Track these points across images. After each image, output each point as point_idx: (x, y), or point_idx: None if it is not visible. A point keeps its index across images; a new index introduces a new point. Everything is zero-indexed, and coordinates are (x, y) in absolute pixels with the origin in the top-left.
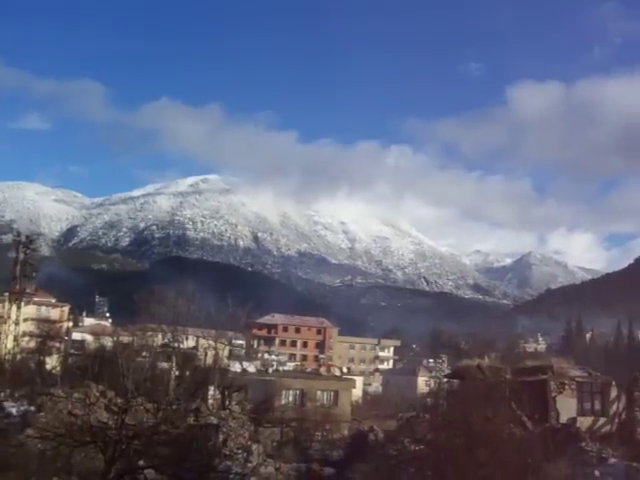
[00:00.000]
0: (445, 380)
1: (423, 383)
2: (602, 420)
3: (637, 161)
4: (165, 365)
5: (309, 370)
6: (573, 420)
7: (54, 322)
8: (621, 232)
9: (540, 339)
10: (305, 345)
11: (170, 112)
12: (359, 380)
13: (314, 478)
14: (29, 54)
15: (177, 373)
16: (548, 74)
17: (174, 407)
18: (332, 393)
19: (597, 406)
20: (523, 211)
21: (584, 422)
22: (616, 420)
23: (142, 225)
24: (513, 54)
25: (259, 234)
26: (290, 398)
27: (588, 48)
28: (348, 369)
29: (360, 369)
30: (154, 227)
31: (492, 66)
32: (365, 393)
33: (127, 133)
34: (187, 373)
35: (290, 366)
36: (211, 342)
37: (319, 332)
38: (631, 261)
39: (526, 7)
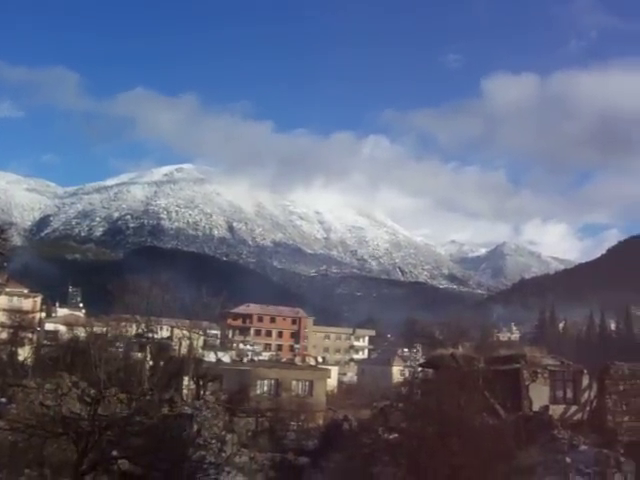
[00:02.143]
0: (419, 369)
1: (398, 372)
2: (574, 408)
3: (611, 153)
4: (139, 355)
5: (284, 360)
6: (545, 408)
7: (26, 313)
8: (594, 223)
9: (514, 328)
10: (280, 335)
11: (145, 101)
12: (334, 370)
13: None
14: (1, 41)
15: (151, 363)
16: (524, 66)
17: (148, 397)
18: (307, 383)
19: (569, 394)
20: (498, 202)
21: (556, 410)
22: (587, 408)
23: (116, 215)
24: (490, 46)
25: (234, 224)
26: (265, 388)
27: (564, 41)
28: (323, 359)
29: (335, 359)
30: (128, 217)
31: (470, 58)
32: (340, 383)
33: (101, 122)
34: (161, 363)
35: (265, 356)
36: (185, 332)
37: (294, 322)
38: (604, 252)
39: (504, 0)
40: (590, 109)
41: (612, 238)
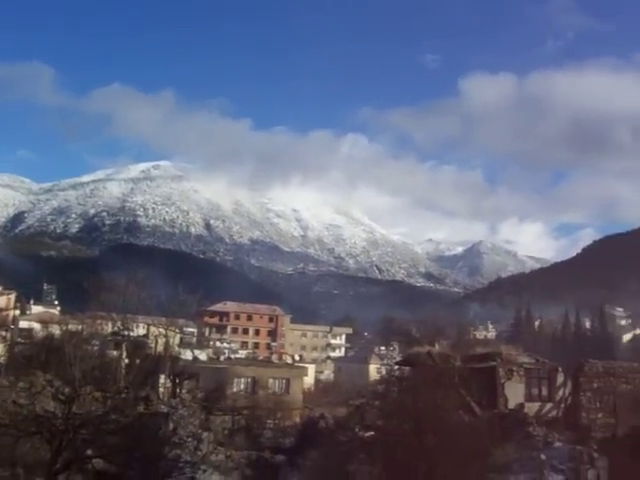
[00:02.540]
0: (396, 367)
1: (374, 370)
2: (549, 405)
3: (586, 153)
4: (115, 353)
5: (261, 358)
6: (521, 405)
7: (0, 310)
8: (570, 222)
9: (490, 327)
10: (257, 333)
11: (122, 98)
12: (311, 368)
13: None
14: None
15: (127, 361)
16: (501, 66)
17: (123, 395)
18: (284, 381)
19: (544, 392)
20: (475, 201)
21: (531, 407)
22: (562, 405)
23: (92, 211)
24: (468, 46)
25: (211, 221)
26: (242, 386)
27: (541, 41)
28: (300, 357)
29: (312, 357)
30: (104, 213)
31: (448, 58)
32: (317, 381)
33: (78, 118)
34: (137, 361)
35: (242, 354)
36: (162, 330)
37: (271, 320)
38: (579, 251)
39: (482, 0)
40: (566, 109)
41: (587, 237)
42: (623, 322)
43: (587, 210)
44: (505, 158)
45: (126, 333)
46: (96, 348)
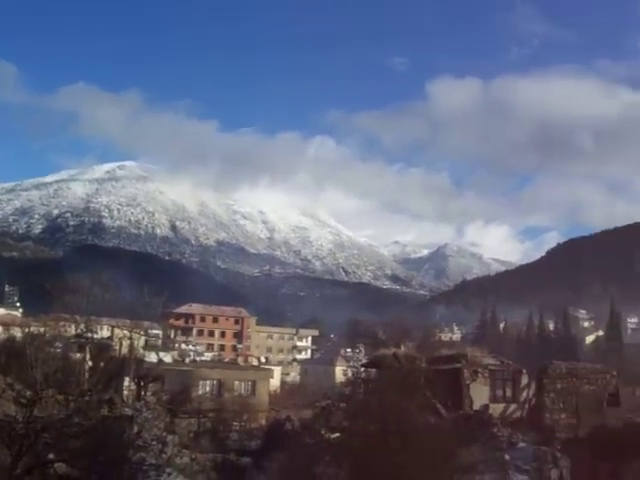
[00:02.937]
0: (362, 369)
1: (340, 372)
2: (513, 406)
3: (551, 158)
4: (78, 356)
5: (227, 360)
6: (485, 407)
7: None
8: (535, 225)
9: (455, 329)
10: (223, 335)
11: (87, 97)
12: (277, 370)
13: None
14: None
15: (90, 364)
16: (468, 71)
17: (86, 398)
18: (250, 383)
19: (508, 393)
20: (442, 203)
21: (496, 409)
22: (526, 406)
23: (56, 212)
24: (435, 50)
25: (177, 223)
26: (207, 388)
27: (506, 48)
28: (266, 359)
29: (278, 359)
30: (68, 214)
31: (415, 61)
32: (283, 383)
33: (41, 117)
34: (101, 364)
35: (207, 356)
36: (126, 332)
37: (237, 322)
38: (543, 254)
39: (450, 5)
40: (531, 114)
41: (552, 240)
42: (586, 324)
43: (552, 213)
44: (472, 161)
45: (90, 335)
46: (59, 350)
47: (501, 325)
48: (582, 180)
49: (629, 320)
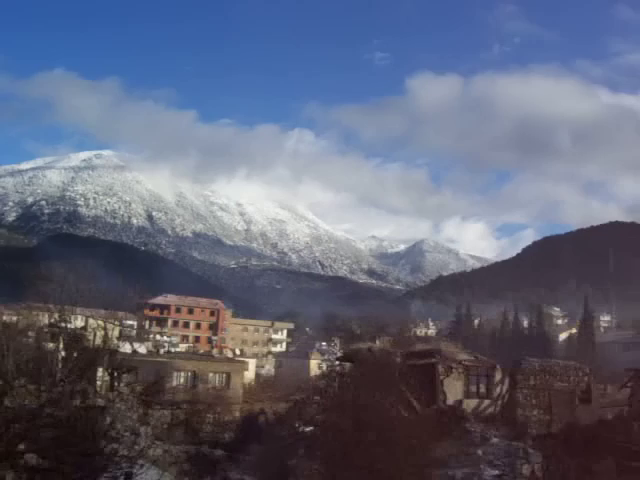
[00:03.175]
0: (337, 363)
1: (315, 366)
2: (486, 402)
3: (529, 156)
4: (51, 345)
5: (201, 352)
6: (459, 402)
7: None
8: (512, 223)
9: (431, 324)
10: (198, 327)
11: (65, 83)
12: (252, 362)
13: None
14: None
15: (64, 354)
16: (448, 67)
17: (59, 389)
18: (224, 375)
19: (482, 389)
20: (419, 199)
21: (469, 404)
22: (499, 402)
23: (30, 200)
24: (417, 46)
25: (154, 213)
26: (182, 380)
27: (488, 45)
28: (241, 351)
29: (253, 351)
30: (43, 202)
31: (396, 57)
32: (258, 375)
33: (17, 103)
34: (74, 354)
35: (182, 347)
36: (101, 322)
37: (212, 314)
38: (519, 251)
39: (433, 1)
40: (510, 112)
41: (527, 238)
42: (560, 321)
43: (528, 211)
44: (450, 158)
45: (63, 325)
46: (31, 340)
47: (476, 321)
48: (559, 179)
49: (602, 319)
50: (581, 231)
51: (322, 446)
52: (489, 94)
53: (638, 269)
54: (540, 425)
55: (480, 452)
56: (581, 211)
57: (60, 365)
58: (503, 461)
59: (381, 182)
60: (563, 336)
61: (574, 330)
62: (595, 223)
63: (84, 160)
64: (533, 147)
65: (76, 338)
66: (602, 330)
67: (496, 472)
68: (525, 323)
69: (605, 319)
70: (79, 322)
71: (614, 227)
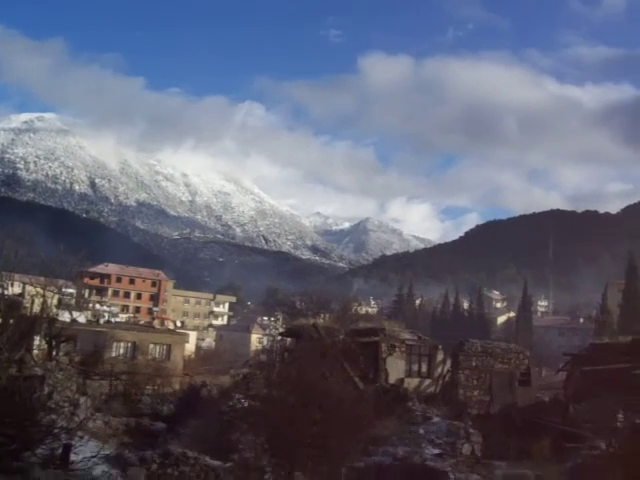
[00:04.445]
0: (279, 338)
1: (256, 340)
2: (428, 381)
3: (475, 141)
4: None
5: (142, 323)
6: (401, 381)
7: None
8: (456, 206)
9: (372, 302)
10: (139, 297)
11: (6, 41)
12: (193, 335)
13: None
14: None
15: (0, 321)
16: (401, 48)
17: None
18: (165, 347)
19: (424, 368)
20: (366, 178)
21: (411, 383)
22: (440, 382)
23: None
24: (371, 25)
25: (97, 180)
26: (121, 350)
27: (442, 29)
28: (182, 323)
29: (194, 324)
30: None
31: (350, 35)
32: (198, 348)
33: None
34: (11, 322)
35: (122, 318)
36: (39, 289)
37: (154, 284)
38: (462, 234)
39: None
40: (459, 96)
41: (471, 221)
42: (499, 305)
43: (473, 195)
44: (398, 138)
45: (0, 291)
46: None
47: (417, 301)
48: (504, 165)
49: (539, 303)
50: (523, 217)
51: (266, 422)
52: (440, 77)
53: (576, 257)
54: (480, 406)
55: (422, 431)
56: (524, 198)
57: None
58: (444, 440)
59: (328, 159)
60: (502, 319)
61: (512, 314)
62: (537, 210)
63: (25, 122)
64: (480, 132)
65: (13, 305)
66: (539, 315)
67: (437, 451)
68: (465, 305)
69: (542, 304)
70: (16, 289)
71: (555, 215)
